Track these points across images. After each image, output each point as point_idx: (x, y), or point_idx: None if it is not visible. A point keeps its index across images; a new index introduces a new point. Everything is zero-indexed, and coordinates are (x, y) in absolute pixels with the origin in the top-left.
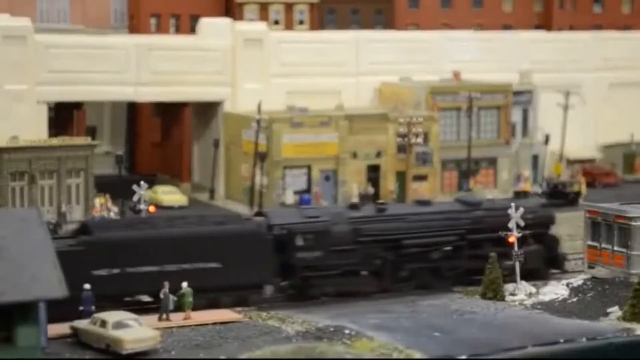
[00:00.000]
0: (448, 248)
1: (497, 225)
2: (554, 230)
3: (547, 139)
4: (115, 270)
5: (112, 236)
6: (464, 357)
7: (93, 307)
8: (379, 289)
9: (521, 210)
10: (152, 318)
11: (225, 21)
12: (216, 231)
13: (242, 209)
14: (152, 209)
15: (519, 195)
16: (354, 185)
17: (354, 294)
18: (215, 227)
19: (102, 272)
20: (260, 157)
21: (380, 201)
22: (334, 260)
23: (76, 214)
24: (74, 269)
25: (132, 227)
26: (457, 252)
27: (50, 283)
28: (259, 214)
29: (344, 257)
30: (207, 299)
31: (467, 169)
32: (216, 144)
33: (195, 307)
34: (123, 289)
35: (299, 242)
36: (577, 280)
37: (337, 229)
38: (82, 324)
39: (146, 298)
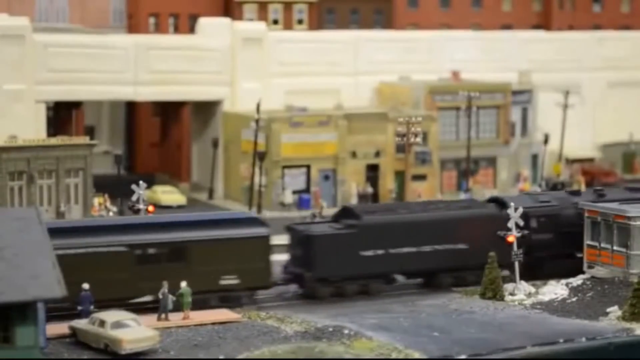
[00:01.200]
0: None
1: None
2: None
3: (546, 139)
4: (380, 251)
5: (379, 220)
6: (463, 357)
7: (92, 307)
8: None
9: (520, 210)
10: (151, 318)
11: (224, 20)
12: (464, 215)
13: (241, 209)
14: (151, 209)
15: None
16: (353, 185)
17: (572, 274)
18: (463, 211)
19: (369, 252)
20: (259, 156)
21: (598, 187)
22: (562, 242)
23: (75, 214)
24: (344, 250)
25: (393, 211)
26: None
27: (49, 282)
28: (492, 199)
29: (570, 239)
30: (454, 277)
31: (466, 169)
32: (215, 144)
33: (442, 287)
34: (385, 269)
35: (534, 224)
36: (577, 280)
37: (565, 213)
38: (81, 323)
39: (400, 278)
